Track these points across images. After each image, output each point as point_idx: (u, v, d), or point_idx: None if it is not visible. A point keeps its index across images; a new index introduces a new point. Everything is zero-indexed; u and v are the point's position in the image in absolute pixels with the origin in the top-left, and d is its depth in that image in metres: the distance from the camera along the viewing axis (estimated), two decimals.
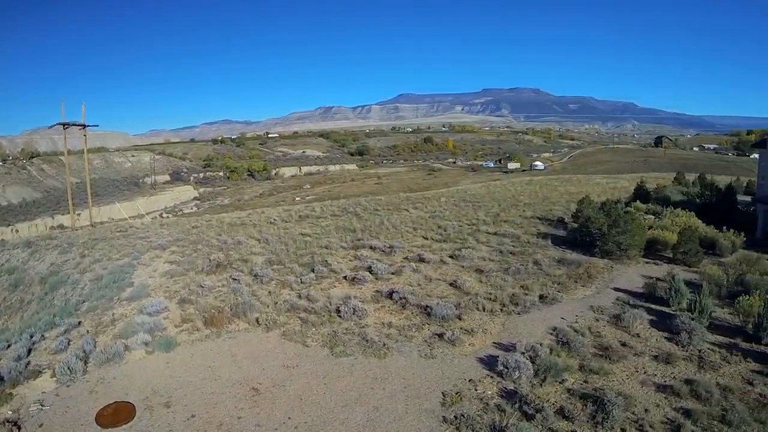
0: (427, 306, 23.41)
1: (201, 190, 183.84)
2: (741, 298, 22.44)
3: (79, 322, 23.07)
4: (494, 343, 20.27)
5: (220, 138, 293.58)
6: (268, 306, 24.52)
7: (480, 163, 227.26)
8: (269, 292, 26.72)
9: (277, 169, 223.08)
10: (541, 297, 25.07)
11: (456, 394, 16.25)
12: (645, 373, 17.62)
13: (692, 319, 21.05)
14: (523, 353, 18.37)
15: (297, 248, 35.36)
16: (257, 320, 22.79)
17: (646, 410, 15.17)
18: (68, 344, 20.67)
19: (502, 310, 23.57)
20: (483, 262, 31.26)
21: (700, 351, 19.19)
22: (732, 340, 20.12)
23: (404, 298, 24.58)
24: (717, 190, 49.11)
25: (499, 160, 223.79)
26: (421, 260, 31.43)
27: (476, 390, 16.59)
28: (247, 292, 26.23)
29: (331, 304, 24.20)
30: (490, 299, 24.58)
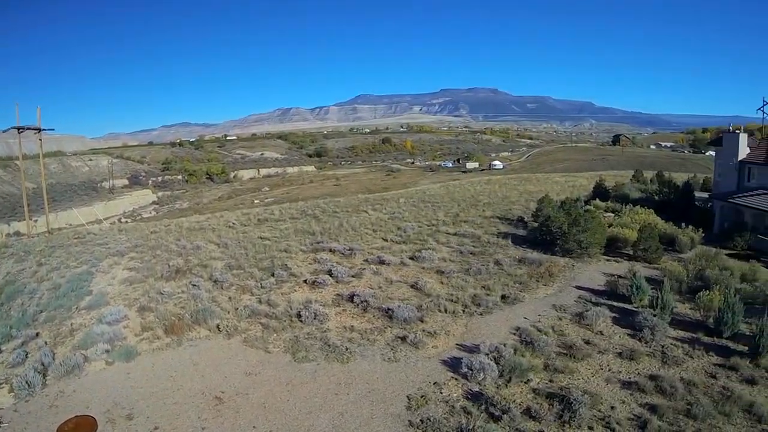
0: (388, 309, 23.39)
1: (160, 193, 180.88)
2: (701, 293, 23.12)
3: (37, 334, 22.39)
4: (457, 344, 20.38)
5: (178, 141, 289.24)
6: (228, 312, 24.22)
7: (438, 163, 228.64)
8: (229, 297, 26.43)
9: (235, 172, 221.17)
10: (503, 297, 25.31)
11: (421, 397, 16.27)
12: (610, 370, 17.94)
13: (654, 316, 21.58)
14: (487, 354, 18.52)
15: (256, 252, 35.09)
16: (218, 327, 22.49)
17: (612, 407, 15.46)
18: (26, 357, 20.00)
19: (464, 311, 23.73)
20: (444, 263, 31.44)
21: (663, 347, 19.66)
22: (694, 335, 20.71)
23: (365, 301, 24.55)
24: (675, 187, 50.49)
25: (458, 160, 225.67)
26: (382, 262, 31.45)
27: (441, 393, 16.63)
28: (207, 298, 25.88)
29: (292, 309, 24.02)
30: (452, 300, 24.72)
